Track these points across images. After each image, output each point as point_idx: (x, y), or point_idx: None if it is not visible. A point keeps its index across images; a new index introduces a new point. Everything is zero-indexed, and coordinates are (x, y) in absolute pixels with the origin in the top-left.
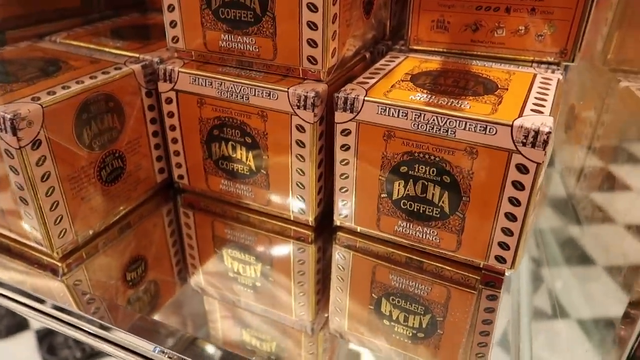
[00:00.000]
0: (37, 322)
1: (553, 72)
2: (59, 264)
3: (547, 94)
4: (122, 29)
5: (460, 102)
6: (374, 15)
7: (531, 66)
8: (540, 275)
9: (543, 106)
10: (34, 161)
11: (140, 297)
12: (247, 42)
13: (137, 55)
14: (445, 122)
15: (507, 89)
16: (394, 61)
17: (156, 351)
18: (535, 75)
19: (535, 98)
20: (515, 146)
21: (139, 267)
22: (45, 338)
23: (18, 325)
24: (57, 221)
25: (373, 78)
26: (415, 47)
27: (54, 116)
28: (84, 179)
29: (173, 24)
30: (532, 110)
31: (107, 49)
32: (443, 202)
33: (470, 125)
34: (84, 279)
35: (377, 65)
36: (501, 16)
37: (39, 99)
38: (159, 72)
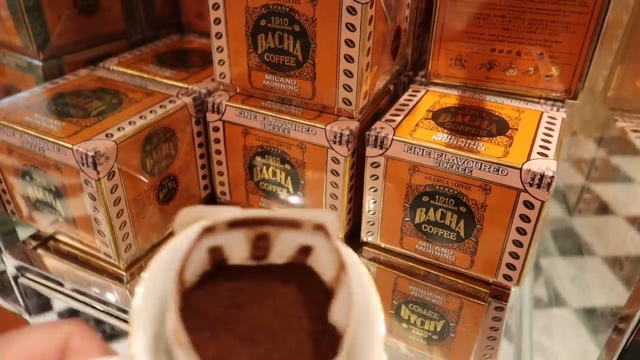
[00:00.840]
0: (59, 303)
1: (558, 110)
2: (124, 274)
3: (552, 136)
4: (165, 55)
5: (476, 143)
6: (400, 55)
7: (538, 102)
8: (538, 265)
9: (548, 149)
10: (108, 189)
11: None
12: (289, 82)
13: (185, 86)
14: (464, 162)
15: (517, 129)
16: (415, 96)
17: None
18: (542, 114)
19: (542, 140)
20: (523, 186)
21: None
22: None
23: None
24: (124, 238)
25: (399, 115)
26: (435, 81)
27: (124, 150)
28: (145, 201)
29: (221, 63)
30: (538, 153)
31: (157, 78)
32: (459, 228)
33: (485, 166)
34: None
35: (402, 100)
36: (513, 58)
37: (112, 135)
38: (208, 104)
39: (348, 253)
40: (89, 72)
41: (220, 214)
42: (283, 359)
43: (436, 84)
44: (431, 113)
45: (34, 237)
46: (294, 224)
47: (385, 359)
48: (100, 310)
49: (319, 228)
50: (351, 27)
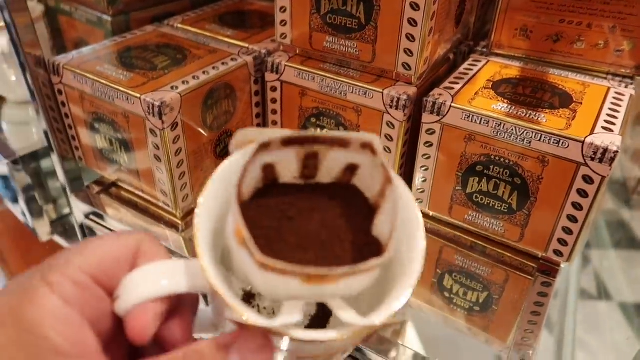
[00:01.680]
0: None
1: (627, 86)
2: (180, 222)
3: (618, 111)
4: (227, 15)
5: (537, 114)
6: (463, 23)
7: (606, 78)
8: (588, 256)
9: (614, 124)
10: (171, 139)
11: None
12: (349, 45)
13: (246, 45)
14: (523, 132)
15: (581, 103)
16: (476, 65)
17: None
18: (608, 89)
19: (607, 115)
20: (584, 160)
21: None
22: None
23: None
24: (183, 187)
25: (458, 83)
26: (496, 51)
27: (188, 103)
28: (203, 154)
29: (283, 23)
30: (603, 127)
31: (219, 37)
32: (512, 199)
33: (545, 137)
34: None
35: (461, 69)
36: (583, 30)
37: (177, 87)
38: (268, 64)
39: (393, 172)
40: (155, 29)
41: (274, 134)
42: (330, 264)
43: (498, 55)
44: (491, 83)
45: (98, 182)
46: (342, 143)
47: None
48: None
49: (366, 146)
50: None
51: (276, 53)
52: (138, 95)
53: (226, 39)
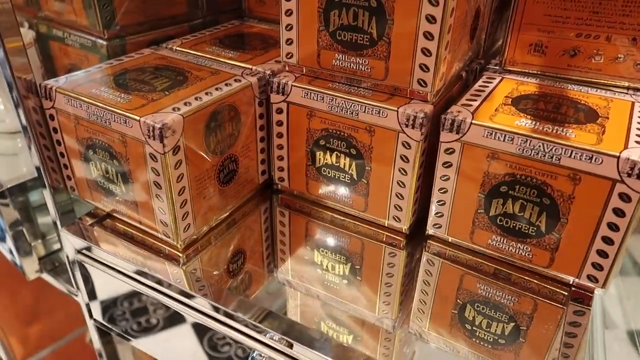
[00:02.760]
0: (103, 291)
1: None
2: (181, 255)
3: None
4: (226, 38)
5: (564, 129)
6: (476, 39)
7: (627, 93)
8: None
9: None
10: (172, 164)
11: (237, 287)
12: (360, 62)
13: (249, 66)
14: (551, 149)
15: (607, 118)
16: (491, 82)
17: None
18: (633, 104)
19: (638, 129)
20: (620, 176)
21: (239, 259)
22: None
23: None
24: (184, 217)
25: (475, 100)
26: (510, 68)
27: (190, 125)
28: (206, 180)
29: (289, 42)
30: (636, 142)
31: (221, 59)
32: (540, 221)
33: (576, 153)
34: (198, 268)
35: (476, 86)
36: (601, 44)
37: (179, 109)
38: (273, 84)
39: None
40: (153, 52)
41: None
42: None
43: (511, 72)
44: (510, 99)
45: (91, 214)
46: None
47: None
48: (156, 290)
49: None
50: (434, 2)
51: (281, 73)
52: (137, 118)
53: (228, 61)
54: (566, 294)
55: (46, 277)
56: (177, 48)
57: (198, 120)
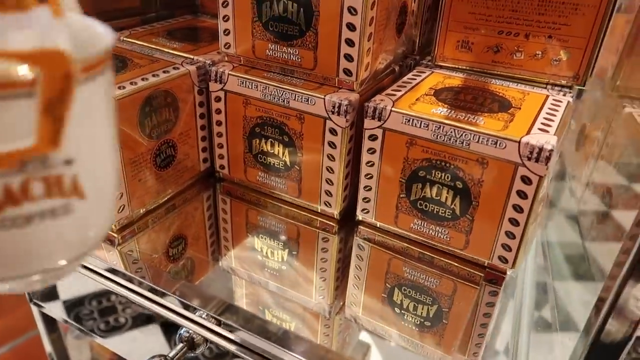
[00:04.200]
0: (65, 292)
1: (565, 94)
2: (116, 235)
3: (555, 115)
4: (176, 31)
5: (476, 117)
6: (405, 34)
7: (545, 88)
8: (544, 286)
9: (550, 126)
10: None
11: (178, 272)
12: (291, 52)
13: (191, 56)
14: (462, 134)
15: (519, 108)
16: (420, 76)
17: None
18: (547, 97)
19: (544, 118)
20: (521, 160)
21: (180, 244)
22: (73, 308)
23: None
24: (119, 197)
25: (400, 91)
26: (440, 64)
27: (122, 108)
28: (142, 163)
29: (226, 32)
30: (539, 129)
31: (165, 49)
32: (455, 205)
33: (483, 139)
34: (134, 250)
35: (405, 78)
36: (520, 41)
37: None
38: (211, 73)
39: None
40: None
41: None
42: None
43: (442, 67)
44: (433, 90)
45: None
46: None
47: None
48: (90, 269)
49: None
50: None
51: (220, 63)
52: None
53: (172, 51)
54: (482, 275)
55: None
56: (125, 38)
57: (131, 103)
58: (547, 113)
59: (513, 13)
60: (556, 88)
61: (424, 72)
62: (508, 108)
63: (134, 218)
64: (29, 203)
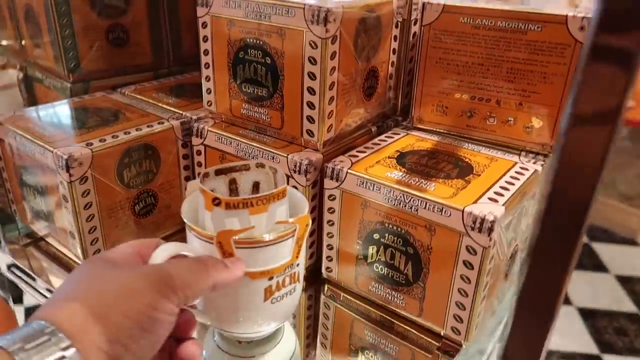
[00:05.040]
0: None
1: (535, 162)
2: None
3: (513, 184)
4: (179, 87)
5: (428, 183)
6: (378, 97)
7: (519, 154)
8: None
9: (502, 195)
10: (79, 192)
11: None
12: (262, 112)
13: (180, 112)
14: (410, 199)
15: (479, 175)
16: (393, 137)
17: None
18: (514, 164)
19: (500, 187)
20: (465, 229)
21: None
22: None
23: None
24: (93, 242)
25: (365, 152)
26: (418, 126)
27: (100, 159)
28: (119, 210)
29: (208, 91)
30: (489, 198)
31: (160, 104)
32: (407, 270)
33: (430, 205)
34: None
35: (376, 140)
36: (493, 107)
37: (91, 144)
38: (193, 129)
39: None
40: (104, 95)
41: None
42: None
43: (419, 129)
44: (398, 153)
45: (29, 235)
46: (247, 167)
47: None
48: None
49: (260, 165)
50: (313, 61)
51: (204, 119)
52: (51, 149)
53: (165, 106)
54: (438, 344)
55: None
56: (129, 93)
57: (110, 155)
58: (506, 182)
59: (484, 79)
60: (530, 155)
61: (399, 134)
62: (467, 174)
63: None
64: (284, 288)
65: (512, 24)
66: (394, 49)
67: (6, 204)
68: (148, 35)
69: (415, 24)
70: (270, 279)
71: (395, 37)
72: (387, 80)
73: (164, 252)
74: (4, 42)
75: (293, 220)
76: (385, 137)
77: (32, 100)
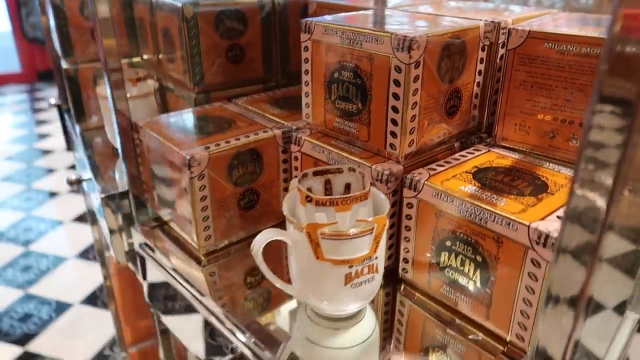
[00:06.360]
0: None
1: None
2: (203, 258)
3: None
4: (285, 99)
5: (499, 198)
6: (461, 115)
7: None
8: None
9: None
10: (197, 187)
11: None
12: (351, 126)
13: (282, 122)
14: (480, 212)
15: (553, 194)
16: (473, 153)
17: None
18: None
19: None
20: (530, 243)
21: (254, 275)
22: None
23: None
24: (206, 229)
25: (444, 166)
26: (501, 144)
27: (215, 160)
28: (228, 204)
29: (307, 105)
30: (557, 216)
31: (266, 114)
32: (475, 276)
33: (497, 219)
34: (216, 272)
35: (456, 155)
36: (575, 129)
37: (208, 147)
38: (292, 137)
39: (368, 183)
40: (221, 105)
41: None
42: None
43: (502, 147)
44: (476, 169)
45: (156, 219)
46: (340, 170)
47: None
48: (177, 280)
49: (351, 170)
50: (397, 83)
51: (302, 129)
52: (178, 150)
53: (271, 116)
54: (503, 349)
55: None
56: (241, 103)
57: (222, 157)
58: None
59: (567, 102)
60: None
61: (480, 151)
62: (541, 192)
63: (218, 247)
64: (363, 276)
65: (597, 51)
66: (479, 70)
67: (141, 192)
68: (261, 53)
69: (502, 46)
70: (350, 267)
71: (481, 59)
72: (472, 100)
73: (266, 234)
74: (145, 57)
75: (372, 219)
76: (467, 152)
77: (165, 106)
